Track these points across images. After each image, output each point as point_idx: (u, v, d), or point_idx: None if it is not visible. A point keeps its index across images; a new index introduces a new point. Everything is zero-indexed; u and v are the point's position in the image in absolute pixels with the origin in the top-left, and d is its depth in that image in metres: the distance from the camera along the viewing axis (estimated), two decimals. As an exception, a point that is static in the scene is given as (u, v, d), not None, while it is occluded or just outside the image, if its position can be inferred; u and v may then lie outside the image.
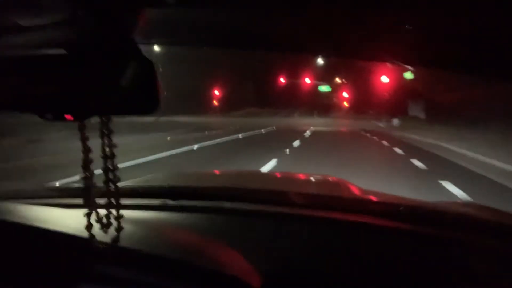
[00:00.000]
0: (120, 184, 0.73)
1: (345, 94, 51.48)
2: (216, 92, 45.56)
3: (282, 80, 48.88)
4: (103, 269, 0.75)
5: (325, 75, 49.36)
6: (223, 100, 49.89)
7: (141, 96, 0.60)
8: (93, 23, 0.59)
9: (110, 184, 0.71)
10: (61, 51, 0.57)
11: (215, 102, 46.12)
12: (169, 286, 0.72)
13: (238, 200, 1.19)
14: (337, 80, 53.70)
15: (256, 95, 59.51)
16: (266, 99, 58.20)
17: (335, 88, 52.95)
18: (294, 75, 48.89)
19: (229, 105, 49.65)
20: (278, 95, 57.23)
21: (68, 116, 0.62)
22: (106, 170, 0.70)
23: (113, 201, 0.72)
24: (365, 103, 45.23)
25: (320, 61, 45.51)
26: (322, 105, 52.00)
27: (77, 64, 0.58)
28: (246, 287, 0.70)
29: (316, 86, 49.61)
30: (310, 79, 46.71)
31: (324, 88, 47.86)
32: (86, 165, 0.69)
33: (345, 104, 51.72)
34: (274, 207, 1.13)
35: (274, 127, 23.96)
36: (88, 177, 0.70)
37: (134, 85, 0.58)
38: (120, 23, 0.60)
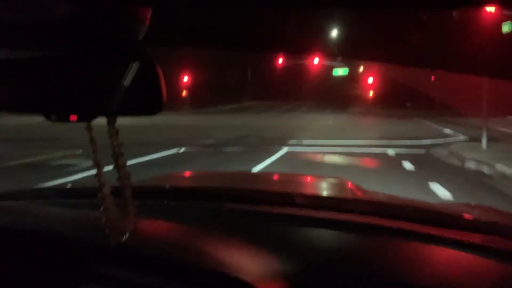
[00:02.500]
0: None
1: (370, 80, 37.79)
2: (185, 79, 32.13)
3: (280, 61, 36.12)
4: (105, 269, 0.75)
5: (343, 55, 36.59)
6: (206, 91, 38.10)
7: (145, 97, 0.60)
8: (97, 23, 0.58)
9: (124, 181, 0.70)
10: (66, 51, 0.59)
11: (184, 93, 32.60)
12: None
13: (247, 201, 1.15)
14: (360, 68, 40.92)
15: (257, 85, 49.63)
16: (269, 90, 47.99)
17: (357, 74, 40.09)
18: (303, 58, 36.85)
19: (218, 97, 38.21)
20: (284, 85, 47.92)
21: (73, 117, 0.62)
22: (118, 167, 0.70)
23: (129, 197, 0.71)
24: (399, 90, 31.75)
25: (334, 34, 32.59)
26: (339, 97, 40.34)
27: (82, 64, 0.59)
28: None
29: (329, 70, 36.98)
30: (320, 61, 33.64)
31: (340, 72, 34.27)
32: (97, 164, 0.69)
33: (370, 94, 38.15)
34: (282, 209, 1.09)
35: (184, 148, 9.88)
36: (101, 176, 0.70)
37: (138, 86, 0.58)
38: (125, 23, 0.59)
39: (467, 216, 1.12)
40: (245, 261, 0.75)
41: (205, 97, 36.86)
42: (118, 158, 0.69)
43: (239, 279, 0.67)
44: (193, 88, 35.77)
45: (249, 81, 50.08)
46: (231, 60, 43.18)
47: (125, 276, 0.73)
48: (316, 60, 34.20)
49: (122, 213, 0.70)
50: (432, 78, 30.00)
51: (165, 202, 1.11)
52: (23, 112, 0.66)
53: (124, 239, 0.70)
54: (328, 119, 21.23)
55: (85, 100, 0.59)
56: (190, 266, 0.72)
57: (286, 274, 0.73)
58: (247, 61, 47.51)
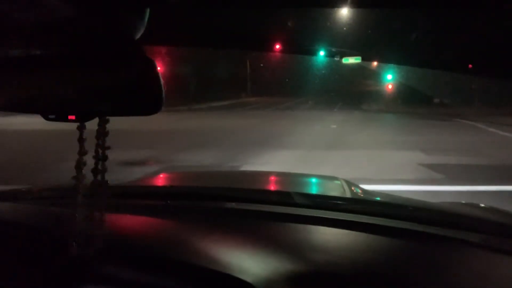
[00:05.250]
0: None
1: (388, 72, 31.78)
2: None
3: (277, 46, 30.35)
4: (104, 269, 0.75)
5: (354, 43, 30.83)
6: (201, 85, 33.84)
7: (144, 97, 0.60)
8: (96, 24, 0.59)
9: (98, 184, 0.71)
10: (65, 51, 0.60)
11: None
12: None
13: (247, 201, 1.15)
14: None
15: (259, 79, 44.67)
16: (273, 85, 43.24)
17: (373, 65, 34.18)
18: (307, 46, 31.32)
19: (216, 92, 33.94)
20: (290, 79, 43.80)
21: (71, 117, 0.62)
22: (95, 171, 0.70)
23: (99, 200, 0.71)
24: (423, 82, 25.76)
25: (345, 12, 26.60)
26: (351, 92, 35.76)
27: (81, 64, 0.60)
28: None
29: (341, 61, 31.14)
30: (327, 51, 27.98)
31: (352, 60, 28.16)
32: (79, 166, 0.70)
33: (389, 87, 32.18)
34: (283, 208, 1.09)
35: None
36: (78, 178, 0.70)
37: (137, 86, 0.59)
38: (123, 24, 0.60)
39: (468, 215, 1.14)
40: (246, 261, 0.75)
41: (197, 92, 32.44)
42: (98, 162, 0.67)
43: (240, 280, 0.67)
44: (182, 81, 30.30)
45: (248, 74, 44.74)
46: (231, 50, 38.07)
47: (124, 276, 0.72)
48: (322, 52, 28.24)
49: (92, 212, 0.70)
50: (470, 66, 23.24)
51: (165, 202, 1.10)
52: (21, 112, 0.65)
53: (94, 247, 0.69)
54: (332, 121, 14.89)
55: (83, 100, 0.59)
56: (190, 266, 0.72)
57: (287, 274, 0.73)
58: (248, 53, 42.52)
